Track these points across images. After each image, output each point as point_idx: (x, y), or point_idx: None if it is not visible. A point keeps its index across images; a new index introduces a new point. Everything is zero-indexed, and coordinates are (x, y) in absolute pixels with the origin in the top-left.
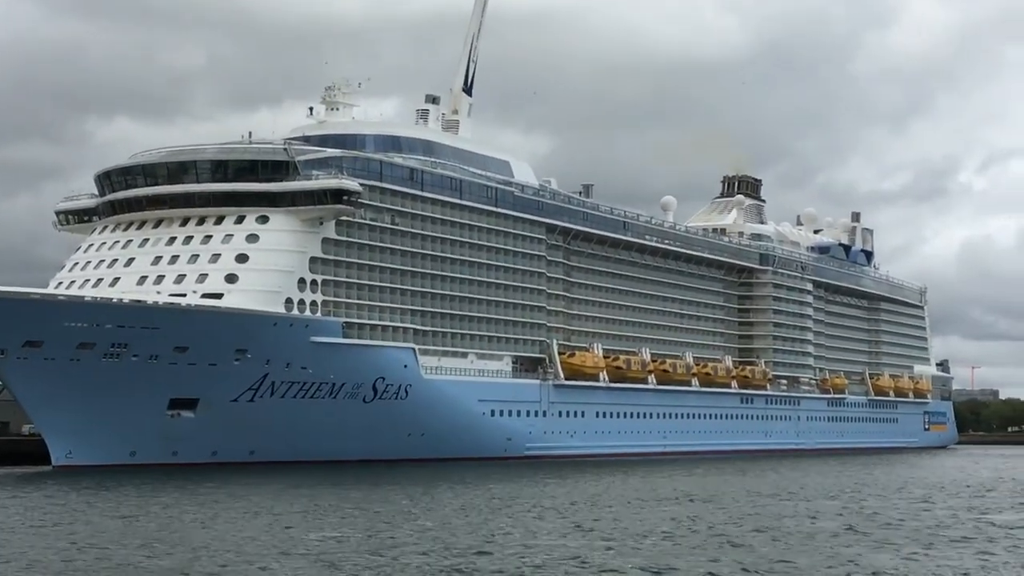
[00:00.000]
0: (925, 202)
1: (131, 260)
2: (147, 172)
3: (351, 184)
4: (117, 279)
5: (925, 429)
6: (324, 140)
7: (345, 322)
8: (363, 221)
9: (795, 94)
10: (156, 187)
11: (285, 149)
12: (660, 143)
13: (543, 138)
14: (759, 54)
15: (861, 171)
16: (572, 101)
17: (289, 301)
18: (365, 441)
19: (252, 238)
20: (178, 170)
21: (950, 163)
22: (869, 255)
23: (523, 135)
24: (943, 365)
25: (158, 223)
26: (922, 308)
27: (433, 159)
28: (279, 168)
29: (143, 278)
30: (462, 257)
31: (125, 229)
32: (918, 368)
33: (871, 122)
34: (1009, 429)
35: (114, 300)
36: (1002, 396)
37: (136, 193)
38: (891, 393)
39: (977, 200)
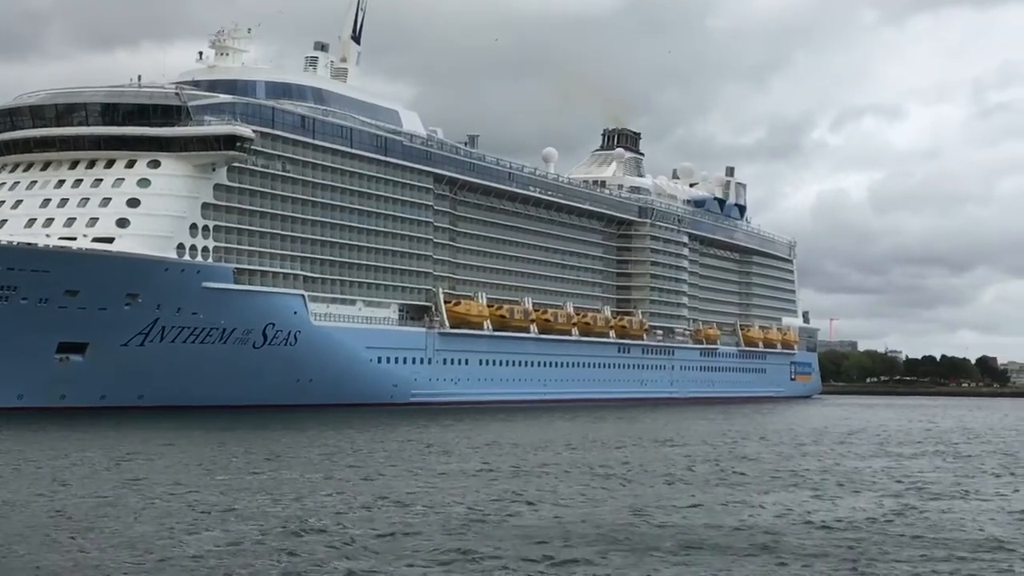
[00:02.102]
0: (781, 157)
1: (19, 202)
2: (34, 113)
3: (243, 130)
4: (4, 221)
5: (792, 379)
6: (214, 85)
7: (236, 268)
8: (255, 168)
9: (656, 49)
10: (44, 128)
11: (177, 94)
12: (531, 95)
13: (408, 88)
14: (622, 9)
15: (720, 126)
16: (440, 52)
17: (181, 246)
18: (254, 387)
19: (143, 183)
20: (66, 112)
21: (806, 119)
22: (742, 209)
23: (387, 84)
24: (804, 317)
25: (46, 165)
26: (791, 261)
27: (324, 107)
28: (170, 112)
29: (31, 221)
30: (351, 205)
31: (12, 171)
32: (786, 320)
33: (731, 78)
34: (868, 380)
35: (3, 242)
36: (860, 348)
37: (23, 135)
38: (760, 344)
39: (831, 156)
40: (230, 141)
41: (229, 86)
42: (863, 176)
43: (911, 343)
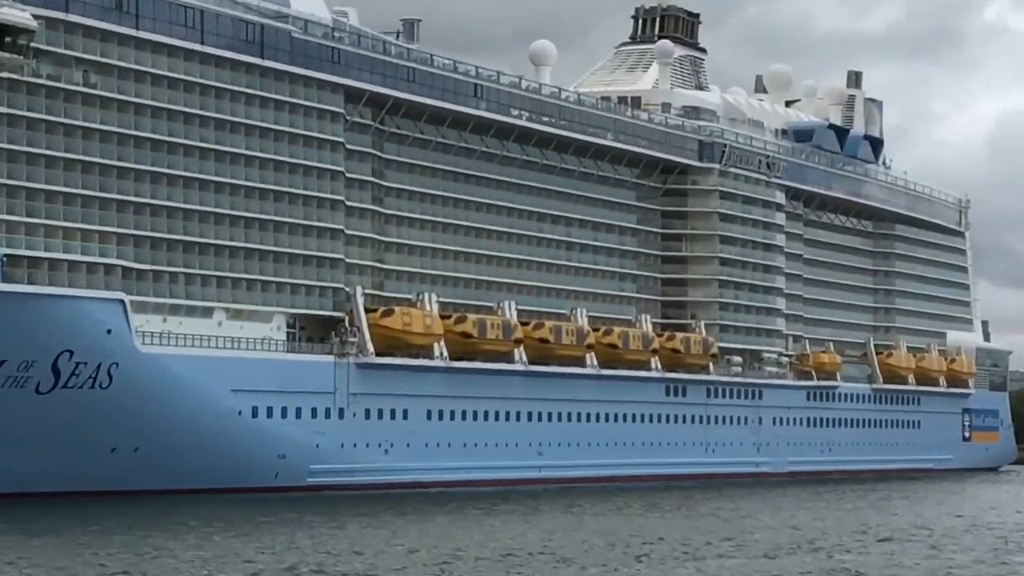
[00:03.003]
0: (932, 55)
1: None
2: None
3: (18, 16)
4: None
5: (965, 438)
6: None
7: (7, 255)
8: (37, 80)
9: None
10: None
11: None
12: None
13: None
14: None
15: (824, 3)
16: None
17: None
18: (38, 461)
19: None
20: None
21: None
22: (878, 144)
23: None
24: (984, 331)
25: None
26: (962, 235)
27: None
28: None
29: None
30: (204, 144)
31: None
32: (954, 336)
33: None
34: None
35: None
36: None
37: None
38: (911, 379)
39: (1017, 52)
40: None
41: None
42: None
43: None
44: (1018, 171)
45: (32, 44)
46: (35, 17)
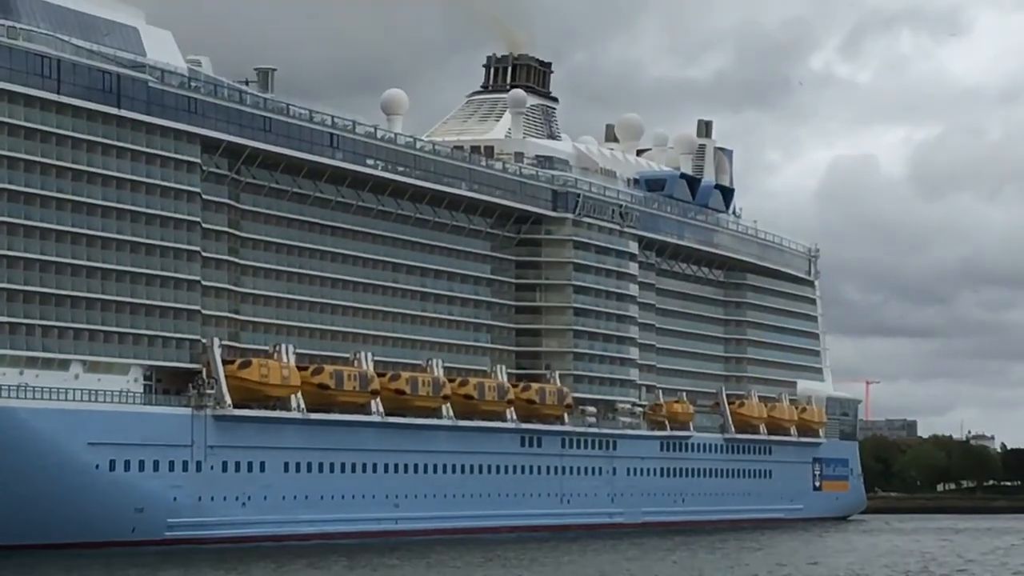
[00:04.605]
0: (760, 102)
1: None
2: None
3: None
4: None
5: (816, 488)
6: None
7: None
8: None
9: None
10: None
11: None
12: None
13: None
14: None
15: (649, 48)
16: None
17: None
18: None
19: None
20: None
21: (799, 37)
22: (729, 193)
23: None
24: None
25: None
26: (811, 284)
27: (8, 21)
28: None
29: None
30: (59, 195)
31: None
32: (804, 385)
33: None
34: (942, 487)
35: None
36: (922, 432)
37: None
38: (762, 428)
39: (846, 100)
40: None
41: None
42: (901, 133)
43: (1003, 421)
44: (850, 219)
45: None
46: None
